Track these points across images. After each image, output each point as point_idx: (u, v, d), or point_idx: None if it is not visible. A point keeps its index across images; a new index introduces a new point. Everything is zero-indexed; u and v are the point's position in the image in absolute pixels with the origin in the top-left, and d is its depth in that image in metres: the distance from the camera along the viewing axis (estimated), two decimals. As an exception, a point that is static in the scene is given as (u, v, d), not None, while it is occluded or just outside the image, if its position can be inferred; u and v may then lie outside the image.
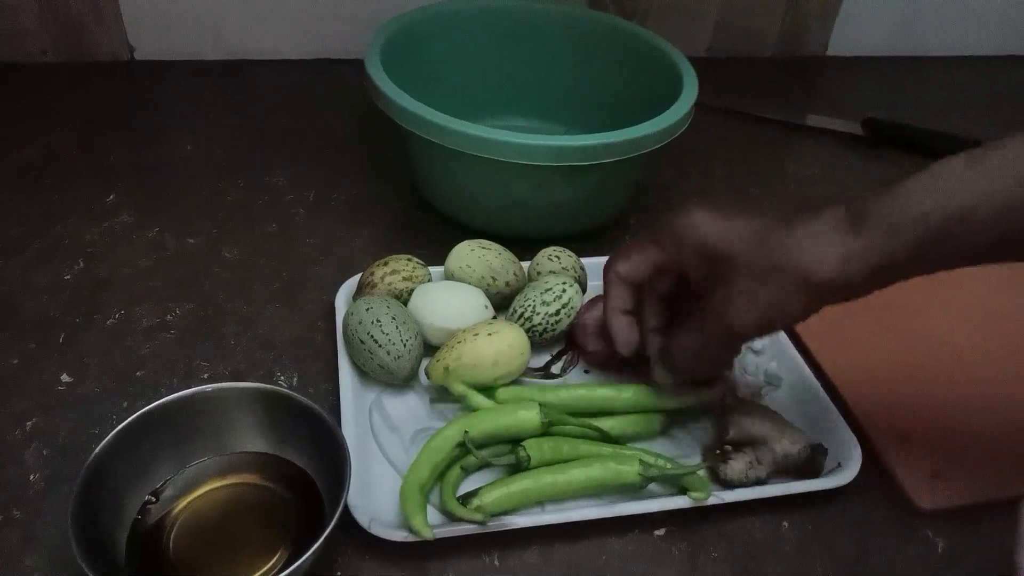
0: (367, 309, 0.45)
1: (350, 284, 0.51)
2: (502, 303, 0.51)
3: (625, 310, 0.42)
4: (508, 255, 0.52)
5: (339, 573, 0.38)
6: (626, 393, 0.44)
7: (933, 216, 0.32)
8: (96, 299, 0.52)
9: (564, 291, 0.48)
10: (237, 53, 0.81)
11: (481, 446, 0.41)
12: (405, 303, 0.48)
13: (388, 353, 0.44)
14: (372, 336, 0.44)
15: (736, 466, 0.41)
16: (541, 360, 0.49)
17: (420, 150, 0.57)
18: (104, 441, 0.36)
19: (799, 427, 0.44)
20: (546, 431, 0.42)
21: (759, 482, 0.42)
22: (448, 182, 0.58)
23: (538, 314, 0.48)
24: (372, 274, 0.49)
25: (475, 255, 0.51)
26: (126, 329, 0.50)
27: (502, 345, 0.44)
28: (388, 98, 0.53)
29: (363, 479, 0.40)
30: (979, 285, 0.60)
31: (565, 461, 0.41)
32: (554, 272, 0.51)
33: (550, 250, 0.52)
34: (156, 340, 0.49)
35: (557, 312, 0.48)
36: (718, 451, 0.43)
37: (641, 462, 0.40)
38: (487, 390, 0.44)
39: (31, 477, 0.41)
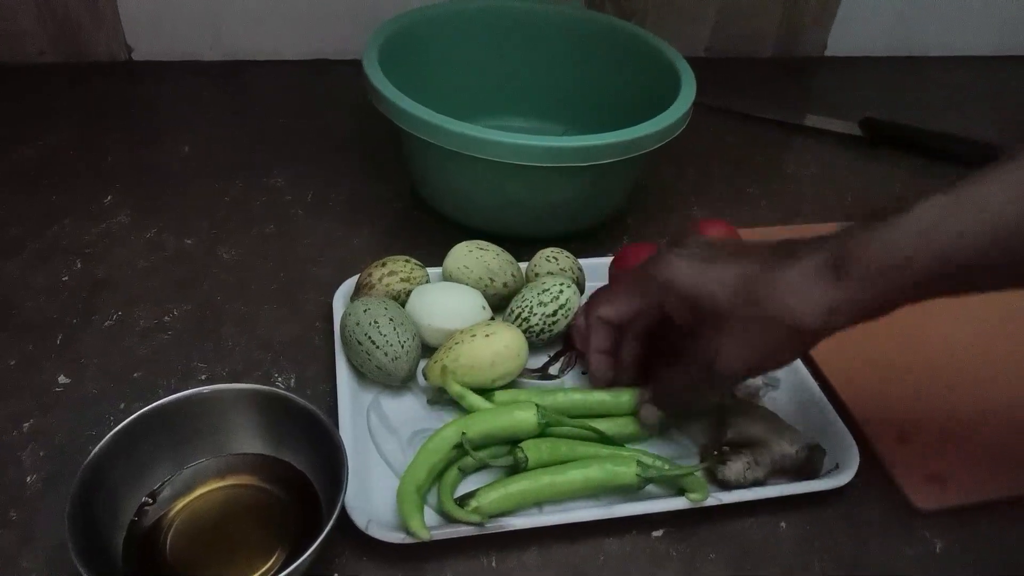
0: (365, 310, 0.45)
1: (348, 285, 0.51)
2: (500, 304, 0.51)
3: (607, 350, 0.44)
4: (506, 256, 0.52)
5: (336, 574, 0.38)
6: (623, 397, 0.44)
7: (916, 260, 0.32)
8: (94, 300, 0.52)
9: (561, 292, 0.48)
10: (235, 53, 0.81)
11: (479, 447, 0.41)
12: (403, 304, 0.48)
13: (386, 354, 0.44)
14: (370, 337, 0.44)
15: (734, 467, 0.41)
16: (539, 361, 0.49)
17: (418, 151, 0.57)
18: (101, 442, 0.36)
19: (797, 428, 0.44)
20: (543, 432, 0.42)
21: (757, 483, 0.42)
22: (446, 183, 0.58)
23: (535, 315, 0.48)
24: (370, 275, 0.49)
25: (473, 256, 0.51)
26: (124, 330, 0.50)
27: (499, 346, 0.44)
28: (386, 99, 0.53)
29: (361, 480, 0.40)
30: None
31: (563, 462, 0.41)
32: (552, 273, 0.51)
33: (548, 251, 0.52)
34: (154, 341, 0.49)
35: (554, 313, 0.48)
36: (716, 452, 0.43)
37: (639, 463, 0.40)
38: (485, 392, 0.44)
39: (28, 478, 0.41)
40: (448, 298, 0.48)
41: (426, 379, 0.46)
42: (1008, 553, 0.42)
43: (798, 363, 0.49)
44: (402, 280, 0.49)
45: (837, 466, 0.43)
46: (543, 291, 0.48)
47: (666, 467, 0.41)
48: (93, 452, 0.36)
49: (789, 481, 0.42)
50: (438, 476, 0.41)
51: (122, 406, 0.45)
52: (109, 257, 0.55)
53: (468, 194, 0.57)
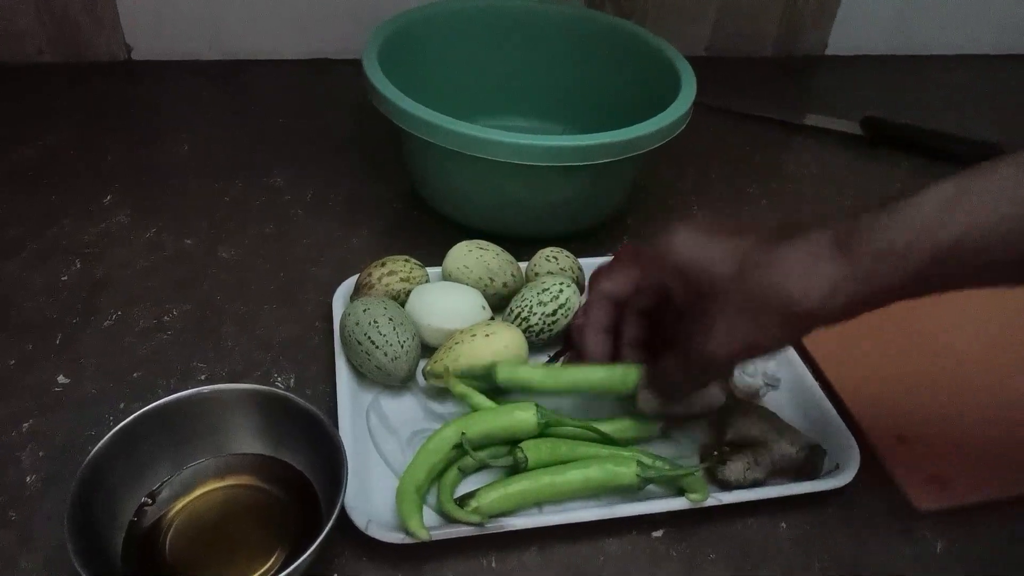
0: (364, 310, 0.45)
1: (348, 285, 0.51)
2: (500, 304, 0.51)
3: (604, 326, 0.43)
4: (506, 256, 0.51)
5: (336, 574, 0.38)
6: (630, 375, 0.43)
7: (919, 247, 0.32)
8: (93, 300, 0.52)
9: (561, 291, 0.48)
10: (235, 53, 0.81)
11: (478, 447, 0.41)
12: (403, 304, 0.48)
13: (385, 354, 0.44)
14: (369, 337, 0.44)
15: (734, 467, 0.41)
16: (539, 361, 0.49)
17: (418, 150, 0.57)
18: (101, 442, 0.36)
19: (797, 428, 0.44)
20: (543, 432, 0.42)
21: (757, 483, 0.42)
22: (445, 182, 0.58)
23: (535, 315, 0.48)
24: (370, 275, 0.49)
25: (473, 256, 0.50)
26: (123, 330, 0.50)
27: (499, 346, 0.44)
28: (385, 98, 0.52)
29: (360, 481, 0.40)
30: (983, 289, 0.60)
31: (563, 462, 0.41)
32: (552, 273, 0.51)
33: (548, 251, 0.52)
34: (153, 341, 0.49)
35: (554, 312, 0.48)
36: (716, 452, 0.43)
37: (639, 463, 0.40)
38: (485, 377, 0.43)
39: (28, 479, 0.41)
40: (448, 298, 0.48)
41: (426, 379, 0.46)
42: (1008, 553, 0.42)
43: (799, 364, 0.49)
44: (402, 280, 0.49)
45: (837, 466, 0.43)
46: (543, 291, 0.48)
47: (666, 467, 0.41)
48: (92, 452, 0.36)
49: (789, 481, 0.42)
50: (438, 476, 0.40)
51: (121, 406, 0.45)
52: (108, 257, 0.55)
53: (468, 194, 0.57)
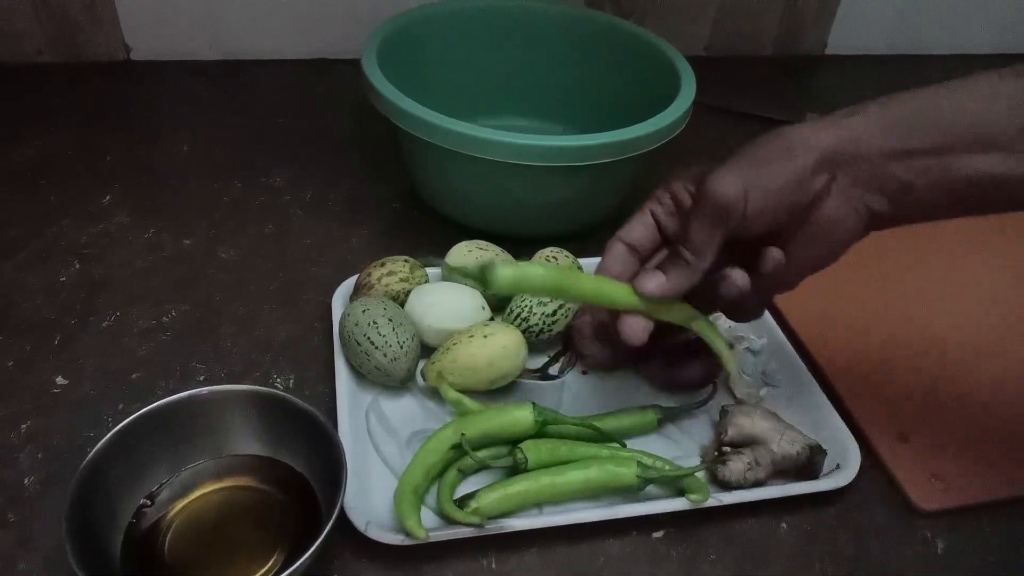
0: (364, 311, 0.45)
1: (347, 285, 0.51)
2: (499, 304, 0.50)
3: (615, 273, 0.39)
4: (506, 256, 0.51)
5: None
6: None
7: (903, 104, 0.36)
8: (92, 300, 0.52)
9: (562, 292, 0.48)
10: (234, 53, 0.80)
11: (477, 447, 0.41)
12: (402, 304, 0.48)
13: (385, 355, 0.44)
14: (369, 338, 0.44)
15: (735, 467, 0.41)
16: (539, 361, 0.49)
17: (417, 150, 0.57)
18: (99, 444, 0.36)
19: (798, 428, 0.44)
20: (540, 429, 0.42)
21: (758, 483, 0.42)
22: (445, 183, 0.58)
23: (535, 315, 0.48)
24: (369, 275, 0.49)
25: (472, 256, 0.50)
26: (122, 331, 0.50)
27: (496, 347, 0.44)
28: (384, 98, 0.52)
29: (360, 481, 0.40)
30: (981, 287, 0.60)
31: (563, 463, 0.41)
32: (552, 273, 0.51)
33: (547, 251, 0.52)
34: (152, 342, 0.49)
35: (554, 313, 0.48)
36: (717, 452, 0.43)
37: (639, 464, 0.40)
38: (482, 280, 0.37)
39: (26, 480, 0.40)
40: (447, 298, 0.47)
41: (425, 380, 0.46)
42: (1010, 553, 0.42)
43: (799, 363, 0.49)
44: (401, 280, 0.49)
45: (838, 466, 0.43)
46: (543, 291, 0.48)
47: (666, 468, 0.41)
48: (91, 453, 0.36)
49: (790, 481, 0.42)
50: (436, 476, 0.40)
51: (120, 407, 0.44)
52: (107, 257, 0.55)
53: (467, 194, 0.57)
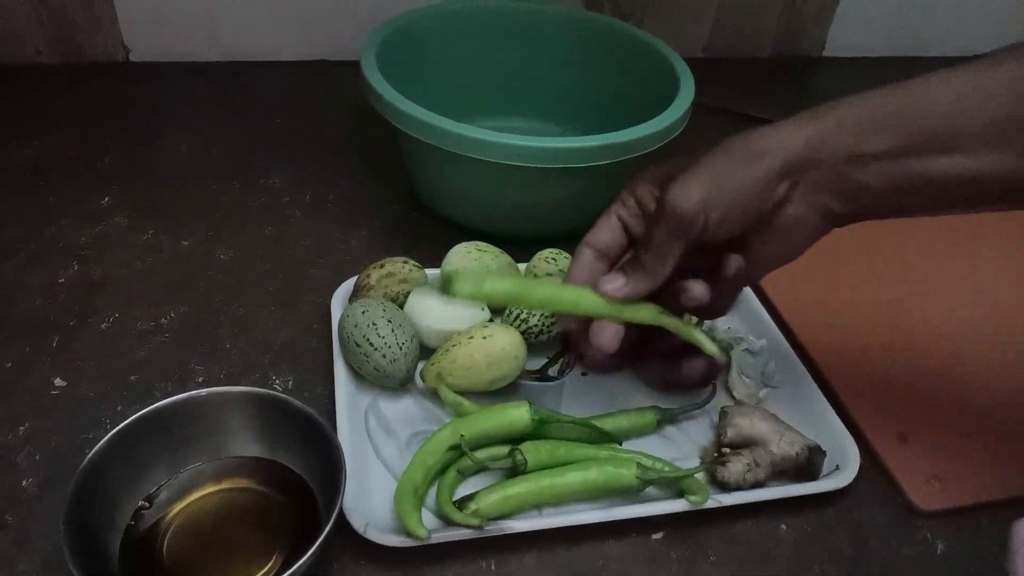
0: (363, 312, 0.45)
1: (346, 287, 0.51)
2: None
3: (583, 279, 0.39)
4: (505, 257, 0.51)
5: (335, 578, 0.38)
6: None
7: (864, 106, 0.35)
8: (90, 302, 0.51)
9: (561, 293, 0.48)
10: (233, 54, 0.80)
11: (475, 448, 0.41)
12: (401, 306, 0.48)
13: (384, 356, 0.44)
14: (368, 339, 0.44)
15: (734, 468, 0.41)
16: (539, 363, 0.49)
17: (416, 151, 0.57)
18: (98, 446, 0.36)
19: (797, 429, 0.43)
20: (537, 428, 0.42)
21: (757, 484, 0.42)
22: (444, 184, 0.58)
23: (534, 315, 0.48)
24: (368, 276, 0.49)
25: (472, 257, 0.50)
26: (121, 332, 0.49)
27: (495, 348, 0.44)
28: (383, 99, 0.52)
29: (359, 483, 0.40)
30: (980, 288, 0.60)
31: (562, 464, 0.41)
32: (551, 274, 0.51)
33: (547, 252, 0.52)
34: (151, 343, 0.49)
35: (553, 314, 0.48)
36: (716, 453, 0.43)
37: (639, 465, 0.40)
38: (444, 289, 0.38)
39: (24, 482, 0.40)
40: (446, 300, 0.47)
41: (424, 381, 0.45)
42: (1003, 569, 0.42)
43: (798, 364, 0.49)
44: (400, 281, 0.49)
45: (837, 467, 0.43)
46: (542, 292, 0.48)
47: (666, 469, 0.41)
48: (89, 455, 0.36)
49: (789, 482, 0.42)
50: (436, 476, 0.40)
51: (119, 409, 0.44)
52: (106, 258, 0.55)
53: (466, 195, 0.57)
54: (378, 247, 0.58)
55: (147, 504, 0.38)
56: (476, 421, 0.41)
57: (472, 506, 0.38)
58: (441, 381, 0.44)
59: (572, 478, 0.40)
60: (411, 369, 0.45)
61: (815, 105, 0.36)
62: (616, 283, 0.38)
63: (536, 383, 0.47)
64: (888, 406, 0.48)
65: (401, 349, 0.44)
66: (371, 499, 0.40)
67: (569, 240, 0.57)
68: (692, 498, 0.40)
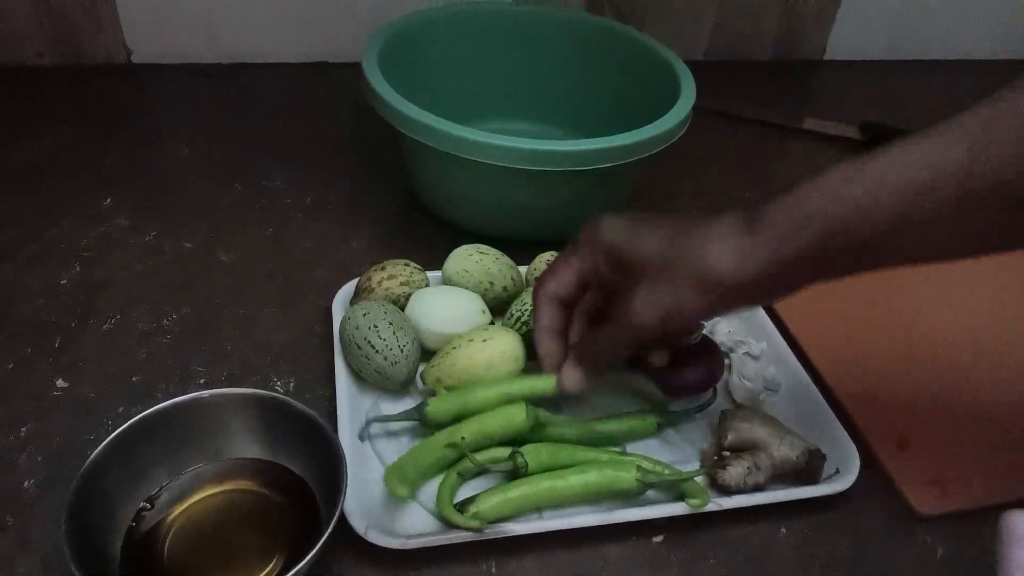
0: (364, 314, 0.45)
1: (347, 289, 0.51)
2: (499, 308, 0.51)
3: (554, 329, 0.43)
4: (506, 260, 0.51)
5: (335, 580, 0.38)
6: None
7: (816, 220, 0.33)
8: (92, 303, 0.52)
9: (562, 296, 0.48)
10: (235, 56, 0.81)
11: (473, 449, 0.41)
12: (402, 308, 0.48)
13: (385, 358, 0.44)
14: (369, 341, 0.44)
15: (734, 472, 0.41)
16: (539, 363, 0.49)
17: (417, 154, 0.57)
18: (99, 447, 0.36)
19: (797, 433, 0.44)
20: (535, 429, 0.42)
21: (757, 488, 0.42)
22: (445, 186, 0.58)
23: (536, 319, 0.48)
24: (369, 279, 0.49)
25: (473, 260, 0.50)
26: (122, 333, 0.50)
27: (495, 351, 0.44)
28: (385, 101, 0.52)
29: (359, 485, 0.40)
30: (980, 293, 0.60)
31: (564, 467, 0.41)
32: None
33: (547, 255, 0.52)
34: (152, 344, 0.49)
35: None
36: (716, 457, 0.43)
37: (639, 468, 0.40)
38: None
39: (25, 483, 0.40)
40: (447, 302, 0.47)
41: (425, 383, 0.46)
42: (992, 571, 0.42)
43: (799, 368, 0.49)
44: (402, 284, 0.49)
45: (837, 471, 0.43)
46: (543, 295, 0.48)
47: (666, 472, 0.41)
48: (91, 457, 0.36)
49: (789, 486, 0.42)
50: (430, 470, 0.40)
51: (120, 410, 0.44)
52: (107, 260, 0.55)
53: (467, 197, 0.57)
54: (379, 249, 0.58)
55: (148, 505, 0.38)
56: (474, 421, 0.41)
57: (472, 508, 0.38)
58: (441, 385, 0.44)
59: (573, 481, 0.40)
60: (412, 371, 0.45)
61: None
62: (573, 379, 0.41)
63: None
64: (888, 410, 0.48)
65: (402, 351, 0.44)
66: (372, 501, 0.40)
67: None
68: (692, 501, 0.40)
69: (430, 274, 0.51)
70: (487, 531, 0.38)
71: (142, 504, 0.38)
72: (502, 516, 0.39)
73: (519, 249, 0.54)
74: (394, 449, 0.43)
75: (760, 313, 0.53)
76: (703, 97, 0.58)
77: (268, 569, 0.36)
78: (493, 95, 0.70)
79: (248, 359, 0.49)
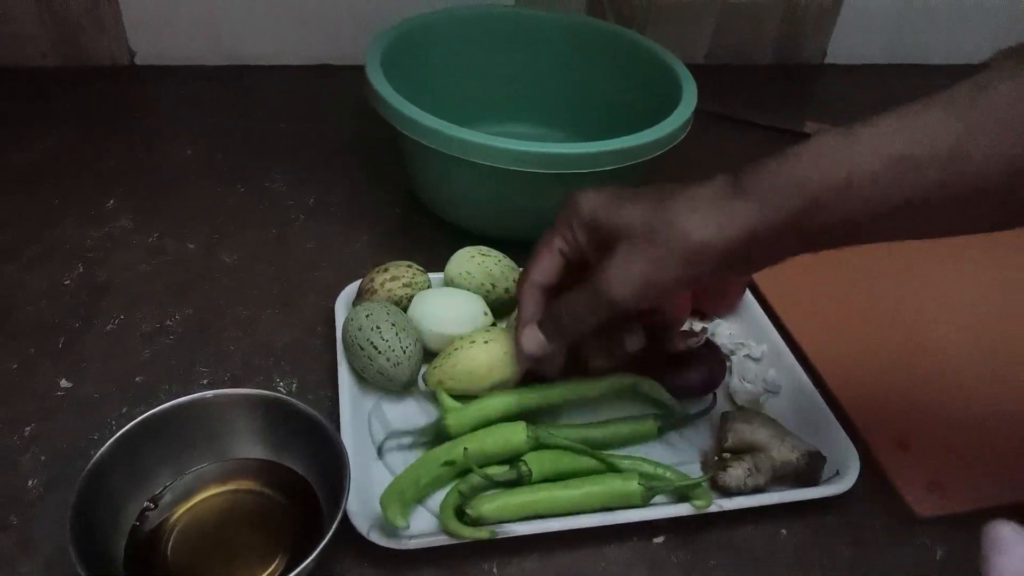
0: (367, 315, 0.45)
1: (350, 290, 0.51)
2: (501, 310, 0.51)
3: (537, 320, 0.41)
4: (508, 262, 0.52)
5: (338, 580, 0.38)
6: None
7: (808, 185, 0.32)
8: (95, 304, 0.52)
9: (563, 298, 0.48)
10: (237, 58, 0.81)
11: (468, 470, 0.40)
12: (405, 309, 0.48)
13: (388, 359, 0.44)
14: (372, 342, 0.44)
15: (735, 474, 0.41)
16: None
17: (419, 156, 0.57)
18: (103, 447, 0.36)
19: (798, 435, 0.44)
20: (534, 448, 0.41)
21: (758, 490, 0.42)
22: (447, 188, 0.58)
23: (537, 321, 0.48)
24: (372, 280, 0.49)
25: (475, 262, 0.51)
26: (125, 334, 0.50)
27: (498, 353, 0.44)
28: (386, 102, 0.53)
29: (362, 486, 0.40)
30: (981, 296, 0.60)
31: (566, 473, 0.41)
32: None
33: (549, 257, 0.52)
34: (155, 345, 0.49)
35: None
36: (717, 459, 0.43)
37: (641, 475, 0.40)
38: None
39: (29, 483, 0.41)
40: (450, 303, 0.48)
41: (427, 384, 0.46)
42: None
43: (799, 370, 0.49)
44: (404, 285, 0.49)
45: (837, 473, 0.43)
46: (544, 297, 0.48)
47: (667, 474, 0.41)
48: (95, 457, 0.36)
49: (789, 488, 0.42)
50: (428, 488, 0.40)
51: (124, 410, 0.45)
52: (110, 261, 0.55)
53: (469, 199, 0.57)
54: (380, 250, 0.58)
55: (152, 505, 0.38)
56: (473, 439, 0.41)
57: (471, 513, 0.38)
58: (442, 386, 0.44)
59: (575, 492, 0.40)
60: (414, 372, 0.46)
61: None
62: (534, 341, 0.40)
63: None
64: (889, 412, 0.48)
65: (405, 352, 0.44)
66: (374, 502, 0.40)
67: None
68: (697, 503, 0.40)
69: (432, 275, 0.51)
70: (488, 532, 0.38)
71: (146, 504, 0.38)
72: (502, 520, 0.39)
73: (520, 250, 0.53)
74: (396, 449, 0.43)
75: (760, 315, 0.53)
76: (704, 100, 0.59)
77: (271, 569, 0.36)
78: (494, 97, 0.70)
79: (251, 360, 0.49)
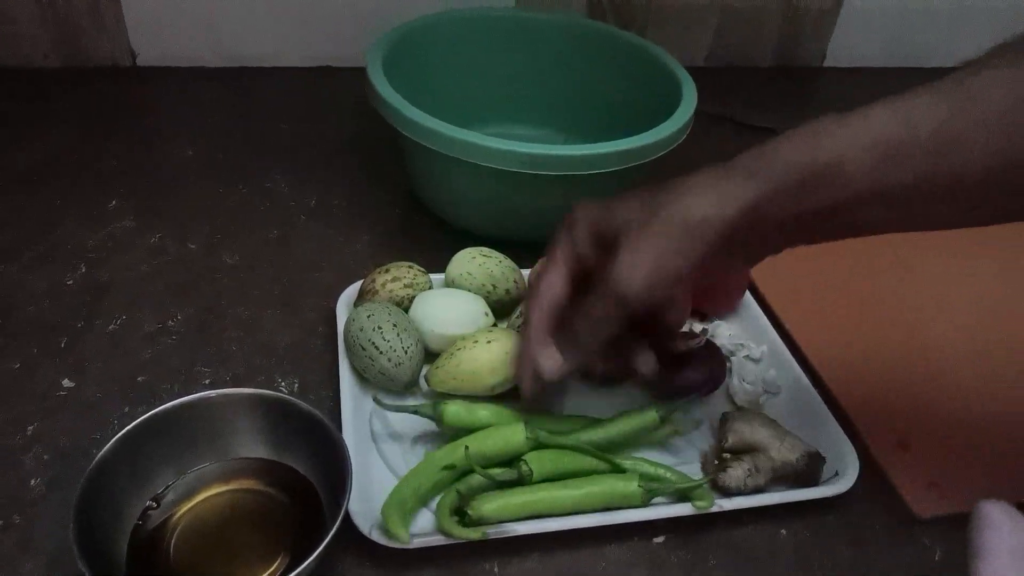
0: (368, 316, 0.45)
1: (351, 290, 0.51)
2: (502, 311, 0.51)
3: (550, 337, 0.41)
4: (508, 263, 0.52)
5: (339, 579, 0.38)
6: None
7: (798, 165, 0.33)
8: (97, 304, 0.52)
9: (564, 298, 0.48)
10: (239, 59, 0.81)
11: (467, 472, 0.40)
12: (406, 310, 0.48)
13: (389, 360, 0.44)
14: (373, 343, 0.44)
15: (735, 474, 0.42)
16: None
17: (420, 157, 0.57)
18: (105, 447, 0.36)
19: (797, 435, 0.44)
20: (534, 448, 0.41)
21: (757, 490, 0.42)
22: (447, 189, 0.58)
23: (538, 321, 0.48)
24: (373, 281, 0.50)
25: (476, 263, 0.51)
26: (127, 334, 0.50)
27: (500, 353, 0.44)
28: (386, 103, 0.53)
29: (363, 485, 0.40)
30: (981, 294, 0.60)
31: (567, 473, 0.41)
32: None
33: (550, 257, 0.53)
34: (157, 345, 0.49)
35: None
36: (717, 459, 0.43)
37: (642, 476, 0.40)
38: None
39: (31, 482, 0.41)
40: (451, 304, 0.48)
41: (428, 385, 0.46)
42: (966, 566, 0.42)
43: (798, 370, 0.49)
44: (405, 286, 0.49)
45: (837, 473, 0.43)
46: (545, 297, 0.48)
47: (668, 475, 0.41)
48: (97, 456, 0.36)
49: (789, 488, 0.43)
50: (427, 495, 0.40)
51: (126, 410, 0.45)
52: (112, 261, 0.55)
53: (469, 200, 0.57)
54: (381, 251, 0.59)
55: (154, 504, 0.38)
56: (474, 440, 0.41)
57: (470, 513, 0.38)
58: (444, 386, 0.44)
59: (575, 493, 0.40)
60: (416, 373, 0.46)
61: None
62: (553, 362, 0.40)
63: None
64: (888, 413, 0.48)
65: (406, 353, 0.45)
66: (376, 502, 0.40)
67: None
68: (699, 504, 0.40)
69: (432, 276, 0.52)
70: (489, 532, 0.38)
71: (148, 503, 0.38)
72: (503, 520, 0.39)
73: (521, 251, 0.54)
74: (398, 451, 0.43)
75: (760, 316, 0.54)
76: (704, 102, 0.59)
77: (272, 568, 0.36)
78: (495, 99, 0.70)
79: (252, 360, 0.49)
